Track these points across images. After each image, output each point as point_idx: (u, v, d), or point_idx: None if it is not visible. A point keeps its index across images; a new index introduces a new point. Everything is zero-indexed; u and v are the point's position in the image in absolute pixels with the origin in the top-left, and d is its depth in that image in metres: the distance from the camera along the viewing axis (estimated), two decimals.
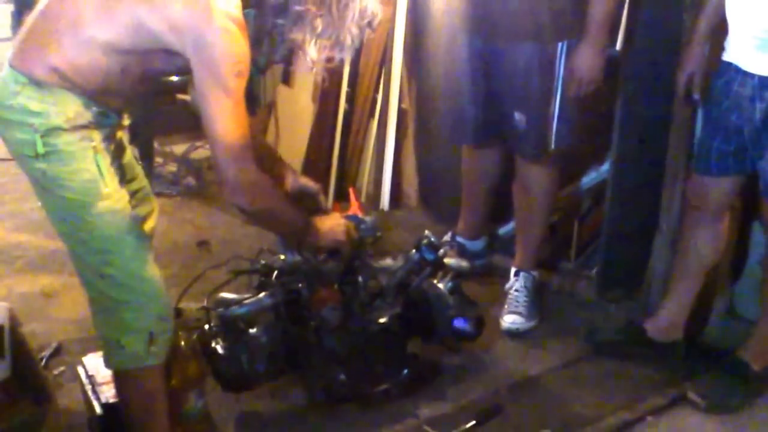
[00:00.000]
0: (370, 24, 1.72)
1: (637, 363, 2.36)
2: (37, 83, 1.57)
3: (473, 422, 2.08)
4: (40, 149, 1.58)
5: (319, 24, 1.66)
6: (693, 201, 2.29)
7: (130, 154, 1.90)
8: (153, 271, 1.74)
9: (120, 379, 1.82)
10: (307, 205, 2.13)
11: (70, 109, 1.59)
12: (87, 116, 1.62)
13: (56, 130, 1.59)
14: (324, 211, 2.15)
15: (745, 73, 2.03)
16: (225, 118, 1.61)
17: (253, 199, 1.74)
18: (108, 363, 1.80)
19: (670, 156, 2.50)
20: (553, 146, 2.41)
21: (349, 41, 1.70)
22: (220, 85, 1.59)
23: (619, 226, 2.66)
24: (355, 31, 1.69)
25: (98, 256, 1.67)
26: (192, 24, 1.55)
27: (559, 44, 2.32)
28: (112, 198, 1.66)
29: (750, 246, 2.50)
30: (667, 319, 2.38)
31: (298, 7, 1.64)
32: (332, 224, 2.03)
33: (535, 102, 2.39)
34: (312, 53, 1.72)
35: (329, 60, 1.74)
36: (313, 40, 1.70)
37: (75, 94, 1.60)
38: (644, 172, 2.59)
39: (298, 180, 2.13)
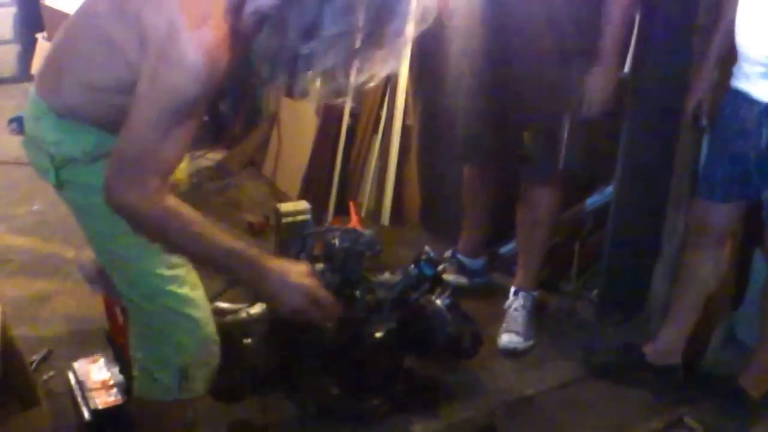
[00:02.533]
0: (425, 20, 1.37)
1: (634, 386, 2.34)
2: (57, 113, 1.50)
3: None
4: (53, 180, 1.52)
5: (358, 42, 1.33)
6: (695, 226, 2.28)
7: None
8: (197, 302, 1.61)
9: (143, 404, 1.71)
10: None
11: (88, 141, 1.49)
12: (107, 146, 1.43)
13: (73, 161, 1.50)
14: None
15: (752, 100, 2.03)
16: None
17: (150, 199, 1.34)
18: (137, 390, 1.71)
19: (674, 180, 2.50)
20: (561, 168, 2.40)
21: (400, 50, 1.37)
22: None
23: (620, 249, 2.64)
24: (404, 38, 1.35)
25: (138, 290, 1.58)
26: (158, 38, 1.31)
27: (572, 67, 2.32)
28: None
29: (751, 273, 2.48)
30: (666, 344, 2.36)
31: (332, 29, 1.29)
32: (293, 279, 1.48)
33: (546, 124, 2.38)
34: (344, 80, 1.39)
35: (368, 81, 1.40)
36: (349, 64, 1.37)
37: (93, 126, 1.49)
38: (648, 195, 2.58)
39: None
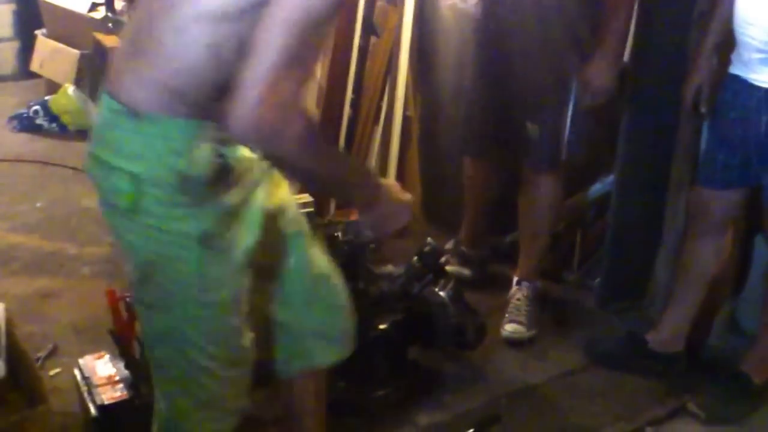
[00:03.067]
0: None
1: (637, 374, 2.35)
2: (139, 115, 1.23)
3: (471, 431, 2.06)
4: (128, 204, 1.25)
5: None
6: (696, 213, 2.28)
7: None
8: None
9: None
10: None
11: (185, 151, 1.23)
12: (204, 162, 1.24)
13: (161, 187, 1.24)
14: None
15: (751, 86, 2.03)
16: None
17: (294, 114, 1.15)
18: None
19: (675, 168, 2.50)
20: (564, 157, 2.40)
21: None
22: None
23: (622, 238, 2.65)
24: None
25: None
26: None
27: (575, 56, 2.32)
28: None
29: (752, 259, 2.49)
30: (668, 331, 2.37)
31: None
32: (401, 197, 1.49)
33: (549, 113, 2.38)
34: None
35: None
36: None
37: (192, 119, 1.23)
38: (648, 183, 2.58)
39: None
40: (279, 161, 1.28)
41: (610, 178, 2.77)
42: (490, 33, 2.42)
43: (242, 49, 1.15)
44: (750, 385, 2.22)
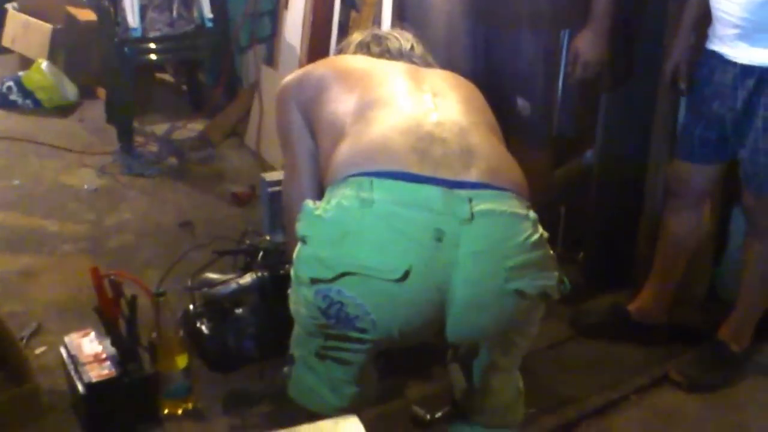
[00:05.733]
0: None
1: (621, 345, 2.38)
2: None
3: None
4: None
5: None
6: (675, 186, 2.31)
7: None
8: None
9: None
10: None
11: None
12: None
13: None
14: None
15: (727, 61, 2.04)
16: None
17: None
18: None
19: (654, 142, 2.52)
20: (555, 132, 2.41)
21: None
22: None
23: (604, 212, 2.67)
24: None
25: None
26: None
27: (563, 31, 2.32)
28: None
29: (730, 231, 2.53)
30: (650, 303, 2.41)
31: None
32: None
33: (540, 88, 2.38)
34: None
35: None
36: None
37: None
38: (628, 157, 2.59)
39: None
40: None
41: (589, 153, 2.79)
42: (478, 6, 2.41)
43: None
44: (729, 353, 2.26)
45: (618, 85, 2.48)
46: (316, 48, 3.27)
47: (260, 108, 3.71)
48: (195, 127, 3.96)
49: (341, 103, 1.48)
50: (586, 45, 2.30)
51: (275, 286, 2.15)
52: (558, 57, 2.34)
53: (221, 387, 2.16)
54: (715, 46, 2.08)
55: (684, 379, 2.23)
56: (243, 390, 2.17)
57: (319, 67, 1.64)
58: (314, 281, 1.28)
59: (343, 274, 1.25)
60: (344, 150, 1.37)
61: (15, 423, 1.83)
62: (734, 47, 2.02)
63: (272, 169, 3.40)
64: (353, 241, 1.26)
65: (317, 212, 1.29)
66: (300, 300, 1.36)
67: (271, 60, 3.74)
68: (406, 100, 1.44)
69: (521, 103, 2.39)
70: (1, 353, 2.01)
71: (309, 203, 1.32)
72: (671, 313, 2.42)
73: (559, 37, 2.32)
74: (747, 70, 1.99)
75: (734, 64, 2.03)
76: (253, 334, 2.15)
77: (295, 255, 1.35)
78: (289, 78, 1.67)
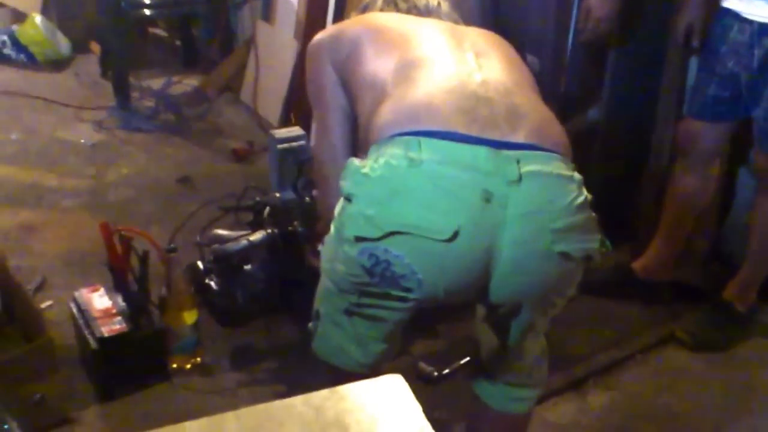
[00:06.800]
0: None
1: (626, 303, 2.40)
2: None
3: (467, 358, 2.09)
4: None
5: None
6: (685, 144, 2.29)
7: None
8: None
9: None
10: None
11: None
12: None
13: None
14: None
15: (744, 19, 2.03)
16: None
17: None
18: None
19: (662, 100, 2.50)
20: (563, 89, 2.39)
21: None
22: None
23: (608, 170, 2.66)
24: None
25: None
26: None
27: None
28: None
29: (736, 190, 2.53)
30: (655, 261, 2.42)
31: None
32: None
33: (550, 44, 2.36)
34: None
35: None
36: None
37: None
38: (634, 115, 2.59)
39: None
40: None
41: (593, 112, 2.78)
42: None
43: None
44: (734, 313, 2.28)
45: (626, 41, 2.46)
46: (314, 3, 3.21)
47: (256, 64, 3.66)
48: (190, 82, 3.91)
49: (381, 62, 1.45)
50: (598, 1, 2.28)
51: (285, 242, 2.15)
52: (569, 13, 2.31)
53: (229, 342, 2.16)
54: (731, 3, 2.06)
55: (689, 338, 2.25)
56: (250, 344, 2.17)
57: (354, 25, 1.59)
58: (359, 239, 1.27)
59: (392, 233, 1.23)
60: (388, 109, 1.35)
61: (30, 376, 1.82)
62: (751, 4, 2.00)
63: (269, 125, 3.37)
64: (402, 201, 1.24)
65: (364, 170, 1.27)
66: (339, 257, 1.34)
67: (267, 15, 3.67)
68: (449, 60, 1.41)
69: (531, 59, 2.37)
70: (10, 307, 1.99)
71: (354, 161, 1.30)
72: (676, 271, 2.43)
73: None
74: (764, 29, 1.98)
75: (751, 22, 2.01)
76: (262, 290, 2.15)
77: (337, 212, 1.33)
78: (321, 35, 1.61)
